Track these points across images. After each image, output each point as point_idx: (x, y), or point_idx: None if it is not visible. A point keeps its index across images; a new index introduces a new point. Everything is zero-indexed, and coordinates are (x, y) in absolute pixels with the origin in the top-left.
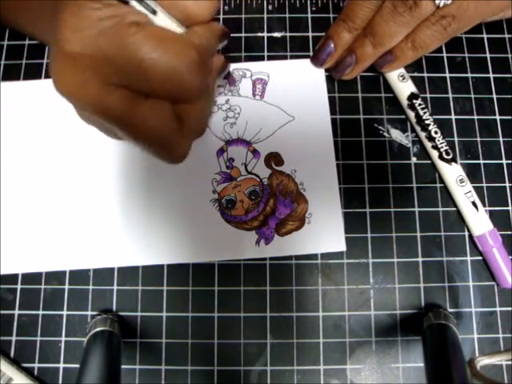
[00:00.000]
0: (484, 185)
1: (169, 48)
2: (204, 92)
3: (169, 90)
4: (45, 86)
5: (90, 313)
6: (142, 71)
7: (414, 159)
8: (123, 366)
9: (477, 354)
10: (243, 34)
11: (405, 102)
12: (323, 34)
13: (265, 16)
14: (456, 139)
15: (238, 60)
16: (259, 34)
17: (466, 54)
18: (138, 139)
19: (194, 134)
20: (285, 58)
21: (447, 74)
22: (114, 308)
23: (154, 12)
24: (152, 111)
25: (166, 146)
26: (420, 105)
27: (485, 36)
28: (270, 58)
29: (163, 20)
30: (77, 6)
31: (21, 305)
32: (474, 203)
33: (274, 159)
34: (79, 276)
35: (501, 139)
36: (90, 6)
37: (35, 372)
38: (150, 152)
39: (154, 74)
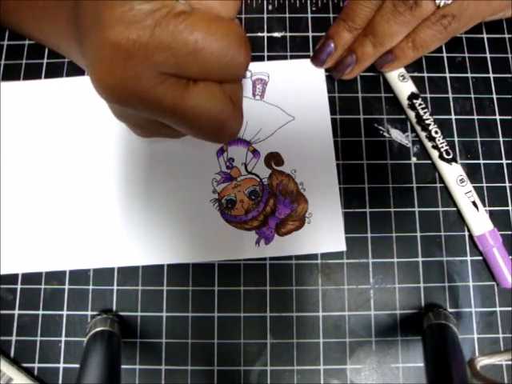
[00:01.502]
0: (484, 185)
1: (219, 28)
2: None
3: (222, 68)
4: (45, 86)
5: (90, 313)
6: (198, 53)
7: (414, 159)
8: (123, 366)
9: (477, 353)
10: None
11: (405, 102)
12: (323, 33)
13: (265, 16)
14: (456, 139)
15: None
16: (259, 34)
17: (466, 54)
18: (194, 123)
19: (241, 112)
20: (285, 58)
21: (447, 74)
22: (114, 308)
23: None
24: (205, 93)
25: (223, 126)
26: (420, 105)
27: (485, 36)
28: (270, 58)
29: None
30: (128, 1)
31: (21, 305)
32: (474, 203)
33: (274, 159)
34: (79, 276)
35: (501, 139)
36: (140, 0)
37: (35, 372)
38: (204, 134)
39: (208, 53)
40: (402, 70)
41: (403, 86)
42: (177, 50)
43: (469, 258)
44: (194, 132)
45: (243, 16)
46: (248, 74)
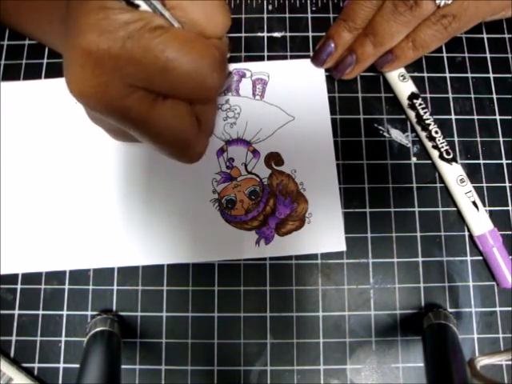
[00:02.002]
0: (484, 185)
1: (193, 48)
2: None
3: (191, 89)
4: (45, 86)
5: (90, 313)
6: (167, 71)
7: (414, 159)
8: (123, 366)
9: (477, 353)
10: (243, 34)
11: (405, 102)
12: (323, 33)
13: (265, 16)
14: (456, 139)
15: (238, 60)
16: (259, 34)
17: (466, 54)
18: (157, 140)
19: (209, 134)
20: (285, 58)
21: (447, 74)
22: (114, 308)
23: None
24: (172, 111)
25: (185, 146)
26: (420, 104)
27: (485, 36)
28: (270, 58)
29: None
30: (103, 9)
31: (21, 305)
32: (474, 203)
33: (273, 159)
34: (79, 276)
35: (501, 139)
36: (117, 10)
37: (35, 372)
38: (168, 152)
39: (178, 73)
40: (402, 70)
41: (403, 86)
42: (147, 66)
43: (469, 258)
44: (157, 148)
45: (243, 16)
46: (248, 73)
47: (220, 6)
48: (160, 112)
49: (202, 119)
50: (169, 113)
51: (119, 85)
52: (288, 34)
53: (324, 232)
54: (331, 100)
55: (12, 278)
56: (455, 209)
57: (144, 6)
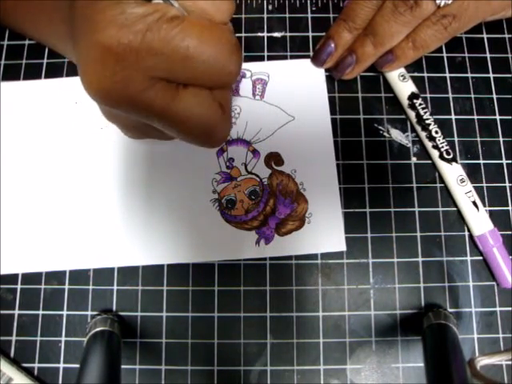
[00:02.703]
0: (484, 185)
1: (211, 35)
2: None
3: (212, 75)
4: (45, 85)
5: (90, 313)
6: (188, 59)
7: (414, 159)
8: (123, 366)
9: (477, 353)
10: (243, 34)
11: (405, 102)
12: (323, 33)
13: (265, 16)
14: (456, 139)
15: None
16: (259, 34)
17: (466, 54)
18: (183, 128)
19: (231, 117)
20: (285, 58)
21: (447, 74)
22: (114, 308)
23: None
24: (195, 98)
25: (211, 131)
26: (420, 104)
27: (485, 36)
28: (270, 58)
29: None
30: (119, 4)
31: (21, 305)
32: (474, 203)
33: (274, 159)
34: (79, 276)
35: (501, 139)
36: (132, 4)
37: (35, 372)
38: (193, 139)
39: (199, 61)
40: (402, 70)
41: (403, 86)
42: (167, 56)
43: (469, 258)
44: (183, 136)
45: (243, 16)
46: (248, 73)
47: None
48: (183, 100)
49: (223, 104)
50: (192, 100)
51: (140, 78)
52: (288, 34)
53: (324, 232)
54: (331, 100)
55: (12, 278)
56: (455, 209)
57: None
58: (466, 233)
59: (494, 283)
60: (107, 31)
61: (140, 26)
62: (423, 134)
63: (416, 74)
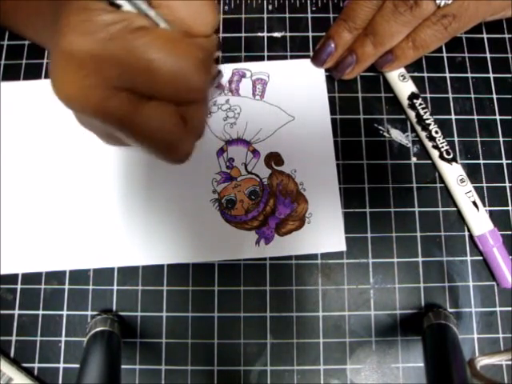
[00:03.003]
0: (484, 185)
1: (176, 49)
2: (206, 94)
3: (175, 90)
4: (45, 85)
5: (90, 313)
6: (151, 72)
7: (414, 159)
8: (123, 366)
9: (477, 354)
10: (243, 34)
11: (405, 102)
12: (323, 33)
13: (265, 16)
14: (456, 139)
15: (238, 60)
16: (259, 34)
17: (466, 54)
18: (142, 140)
19: (196, 135)
20: (285, 58)
21: (447, 74)
22: (114, 308)
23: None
24: (156, 112)
25: (171, 146)
26: (421, 104)
27: (485, 36)
28: (270, 57)
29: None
30: (85, 10)
31: (21, 305)
32: (474, 203)
33: (274, 159)
34: (79, 276)
35: (501, 139)
36: (99, 11)
37: (35, 372)
38: (154, 153)
39: (161, 74)
40: (403, 70)
41: (403, 86)
42: (129, 67)
43: (469, 258)
44: (144, 149)
45: (243, 16)
46: (248, 73)
47: (207, 4)
48: (144, 113)
49: (188, 120)
50: (153, 114)
51: (103, 86)
52: (288, 34)
53: (324, 232)
54: (331, 100)
55: (12, 278)
56: (455, 209)
57: (127, 6)
58: (466, 233)
59: (494, 283)
60: (68, 37)
61: (102, 35)
62: (423, 134)
63: (416, 74)
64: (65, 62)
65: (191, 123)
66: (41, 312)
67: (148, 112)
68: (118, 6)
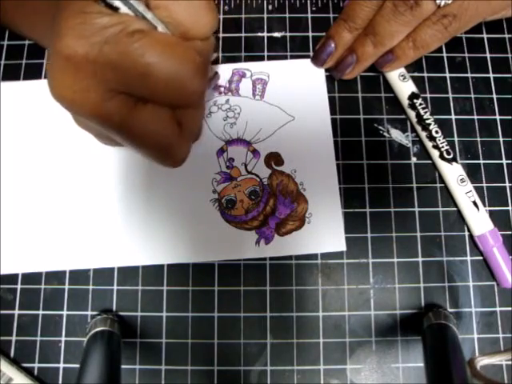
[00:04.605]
0: (484, 185)
1: (173, 53)
2: (202, 98)
3: (172, 94)
4: (45, 86)
5: (90, 313)
6: (147, 76)
7: (414, 159)
8: (123, 366)
9: (477, 354)
10: (243, 34)
11: (405, 102)
12: (323, 33)
13: (265, 16)
14: (456, 139)
15: (238, 60)
16: (259, 34)
17: (466, 54)
18: (138, 144)
19: (192, 138)
20: (285, 57)
21: (447, 74)
22: (114, 308)
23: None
24: (152, 115)
25: (166, 150)
26: (421, 104)
27: (485, 36)
28: (270, 58)
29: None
30: (81, 13)
31: (21, 305)
32: (474, 203)
33: (274, 159)
34: (79, 276)
35: (501, 139)
36: (95, 14)
37: (35, 372)
38: (150, 156)
39: (158, 78)
40: (403, 70)
41: (403, 86)
42: (125, 71)
43: (469, 258)
44: (140, 152)
45: (243, 16)
46: (248, 73)
47: (206, 6)
48: (140, 116)
49: (184, 124)
50: (148, 117)
51: (99, 89)
52: (288, 34)
53: (324, 232)
54: (331, 100)
55: (12, 278)
56: (455, 209)
57: (124, 9)
58: (466, 233)
59: (494, 283)
60: (65, 40)
61: (98, 38)
62: (423, 134)
63: (416, 74)
64: (61, 65)
65: (187, 127)
66: (41, 312)
67: (144, 116)
68: (116, 9)
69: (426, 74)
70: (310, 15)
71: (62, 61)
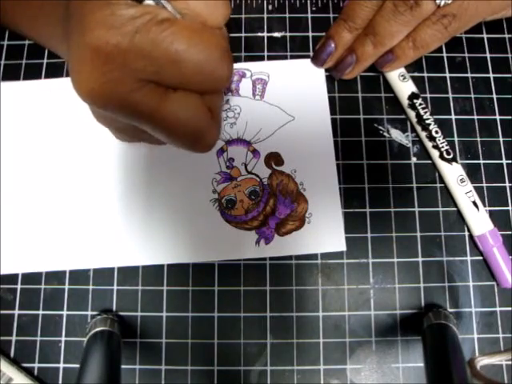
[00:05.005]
0: (484, 185)
1: (201, 39)
2: (230, 82)
3: (201, 79)
4: (45, 86)
5: (90, 313)
6: (178, 63)
7: (414, 159)
8: (123, 366)
9: (477, 354)
10: (243, 34)
11: (405, 102)
12: (323, 33)
13: (265, 16)
14: (456, 139)
15: (238, 60)
16: (259, 34)
17: (466, 54)
18: (170, 132)
19: (220, 123)
20: (285, 58)
21: (447, 74)
22: (114, 308)
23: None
24: (183, 102)
25: (199, 136)
26: (421, 104)
27: (485, 36)
28: (270, 58)
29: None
30: (108, 5)
31: (21, 305)
32: (474, 203)
33: (274, 159)
34: (79, 276)
35: (501, 139)
36: (122, 5)
37: (35, 372)
38: (181, 143)
39: (189, 65)
40: (403, 70)
41: (403, 86)
42: (156, 59)
43: (469, 258)
44: (171, 140)
45: (243, 16)
46: (248, 73)
47: None
48: (171, 104)
49: (212, 109)
50: (180, 104)
51: (129, 80)
52: (288, 34)
53: (324, 232)
54: (331, 100)
55: (12, 278)
56: (455, 209)
57: (148, 1)
58: (466, 233)
59: (494, 283)
60: (96, 32)
61: (129, 28)
62: (423, 134)
63: (416, 74)
64: (90, 57)
65: (215, 112)
66: (41, 312)
67: (175, 103)
68: (140, 0)
69: (425, 74)
70: (309, 15)
71: (91, 53)
